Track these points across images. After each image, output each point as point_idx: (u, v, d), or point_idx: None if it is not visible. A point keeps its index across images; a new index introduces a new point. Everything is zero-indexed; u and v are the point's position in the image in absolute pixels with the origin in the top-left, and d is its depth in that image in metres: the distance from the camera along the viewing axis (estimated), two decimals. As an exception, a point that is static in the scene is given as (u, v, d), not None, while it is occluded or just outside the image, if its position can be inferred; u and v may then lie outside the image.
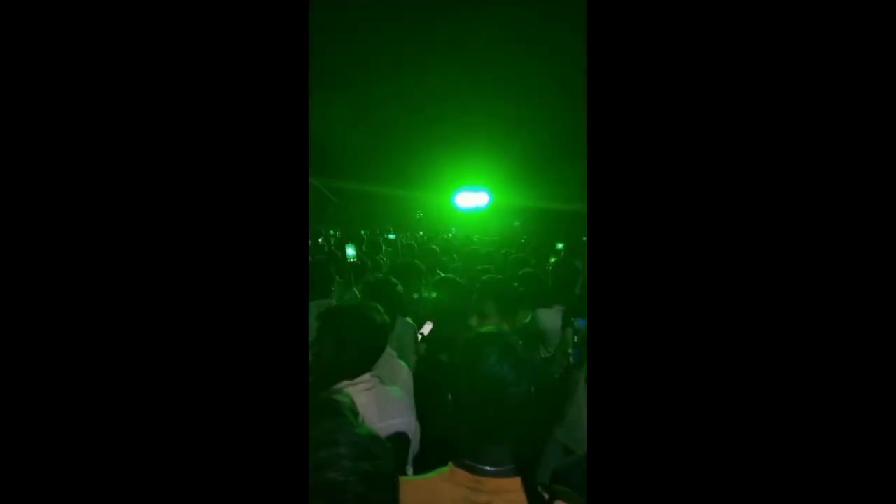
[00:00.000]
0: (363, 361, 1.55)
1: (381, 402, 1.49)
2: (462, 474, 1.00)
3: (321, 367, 1.52)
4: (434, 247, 5.50)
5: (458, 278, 2.86)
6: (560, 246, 5.74)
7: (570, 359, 2.03)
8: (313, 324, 1.56)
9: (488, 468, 1.00)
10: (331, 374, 1.50)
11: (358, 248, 4.25)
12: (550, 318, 2.74)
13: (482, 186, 12.23)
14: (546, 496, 0.98)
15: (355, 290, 3.24)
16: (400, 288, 2.40)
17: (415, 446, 1.55)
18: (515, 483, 1.00)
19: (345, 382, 1.49)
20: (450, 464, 1.03)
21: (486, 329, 1.13)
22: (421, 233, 9.45)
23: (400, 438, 1.48)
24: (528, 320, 2.85)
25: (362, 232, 8.06)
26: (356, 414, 0.87)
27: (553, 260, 4.38)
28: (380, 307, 1.65)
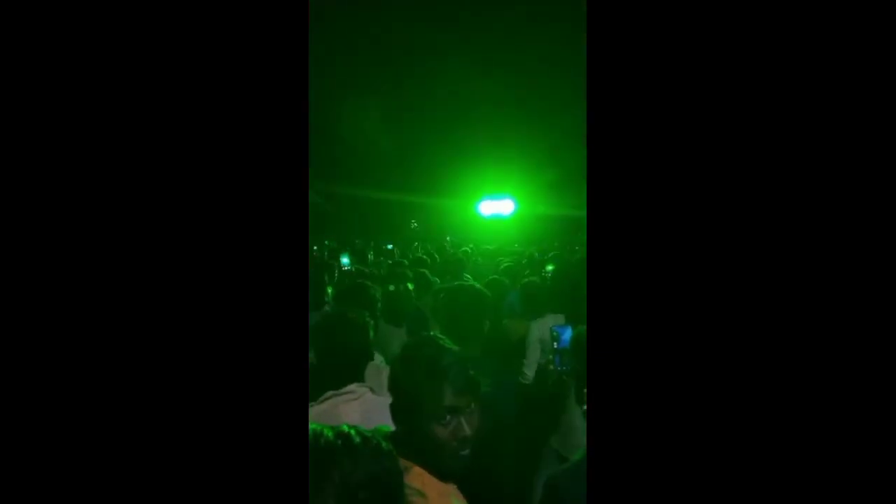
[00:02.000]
0: (347, 369, 1.51)
1: (367, 412, 1.44)
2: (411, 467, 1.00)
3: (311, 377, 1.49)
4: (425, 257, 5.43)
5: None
6: (537, 255, 5.73)
7: (551, 365, 2.03)
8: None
9: None
10: (317, 383, 1.45)
11: (352, 258, 4.25)
12: (545, 327, 2.74)
13: (504, 195, 12.35)
14: None
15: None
16: (374, 291, 2.36)
17: None
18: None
19: (329, 393, 1.45)
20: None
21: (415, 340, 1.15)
22: (416, 243, 9.44)
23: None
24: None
25: (356, 241, 8.06)
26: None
27: (550, 268, 4.38)
28: (364, 313, 1.62)
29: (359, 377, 1.53)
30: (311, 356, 1.53)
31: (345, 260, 3.83)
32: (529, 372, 2.58)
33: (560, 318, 2.73)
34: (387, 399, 1.50)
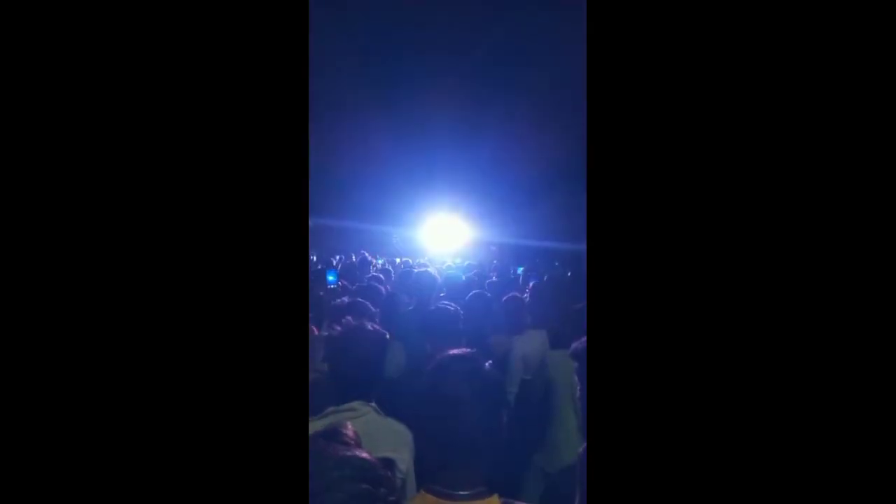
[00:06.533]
0: (357, 383, 1.48)
1: (366, 434, 1.37)
2: (431, 499, 0.98)
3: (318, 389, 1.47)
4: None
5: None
6: (520, 270, 5.82)
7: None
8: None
9: (459, 493, 0.97)
10: (320, 397, 1.43)
11: (337, 275, 4.24)
12: (529, 341, 2.77)
13: (459, 213, 12.36)
14: None
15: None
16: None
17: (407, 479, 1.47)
18: None
19: (330, 409, 1.43)
20: (420, 490, 1.01)
21: (453, 352, 1.12)
22: (398, 259, 9.41)
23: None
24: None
25: (338, 256, 8.02)
26: (359, 442, 0.88)
27: (532, 283, 4.42)
28: (385, 333, 1.57)
29: (369, 394, 1.49)
30: (325, 367, 1.50)
31: (330, 278, 3.82)
32: (512, 388, 2.61)
33: (542, 334, 2.77)
34: (390, 423, 1.47)
